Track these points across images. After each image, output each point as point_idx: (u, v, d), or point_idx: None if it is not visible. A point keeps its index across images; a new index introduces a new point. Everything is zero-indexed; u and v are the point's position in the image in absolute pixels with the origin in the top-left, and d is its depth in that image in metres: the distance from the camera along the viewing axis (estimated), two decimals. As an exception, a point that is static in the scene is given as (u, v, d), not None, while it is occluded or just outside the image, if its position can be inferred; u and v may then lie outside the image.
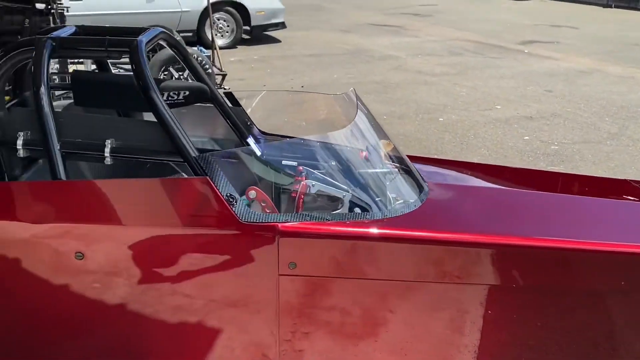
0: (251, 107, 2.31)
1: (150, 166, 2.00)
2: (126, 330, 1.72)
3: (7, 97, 1.87)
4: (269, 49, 9.25)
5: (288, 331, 1.72)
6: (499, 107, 6.37)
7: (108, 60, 2.20)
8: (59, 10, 5.88)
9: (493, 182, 2.40)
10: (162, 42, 1.88)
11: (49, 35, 1.65)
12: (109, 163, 1.60)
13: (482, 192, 2.14)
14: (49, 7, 5.89)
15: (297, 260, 1.64)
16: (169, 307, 1.68)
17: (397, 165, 1.96)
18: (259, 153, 2.15)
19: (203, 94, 2.08)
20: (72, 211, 1.55)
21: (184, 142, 1.59)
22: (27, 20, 5.86)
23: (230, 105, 2.25)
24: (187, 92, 2.00)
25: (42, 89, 1.54)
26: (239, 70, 7.71)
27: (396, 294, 1.73)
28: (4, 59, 1.65)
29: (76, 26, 1.79)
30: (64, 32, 1.74)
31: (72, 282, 1.61)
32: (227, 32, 9.21)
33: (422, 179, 1.94)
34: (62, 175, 1.55)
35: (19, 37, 5.86)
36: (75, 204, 1.55)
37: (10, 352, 1.75)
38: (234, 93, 2.29)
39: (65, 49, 1.63)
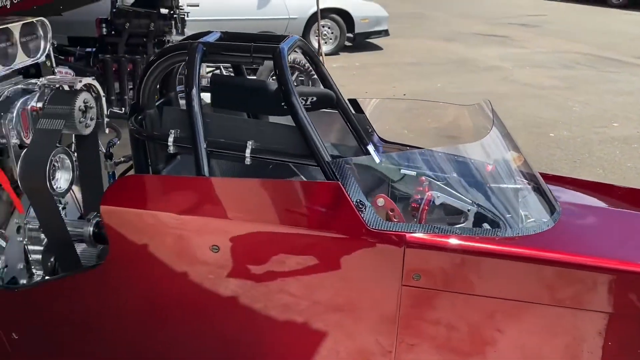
0: (371, 114, 2.33)
1: (272, 167, 2.07)
2: (247, 323, 1.79)
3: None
4: (370, 56, 9.28)
5: (396, 341, 1.72)
6: (616, 124, 5.97)
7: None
8: (181, 15, 6.26)
9: (620, 204, 2.26)
10: (297, 50, 1.94)
11: (200, 40, 1.76)
12: (248, 163, 1.68)
13: (617, 215, 2.02)
14: (172, 12, 6.29)
15: (422, 272, 1.63)
16: (286, 305, 1.73)
17: (529, 181, 1.89)
18: (378, 160, 2.17)
19: (330, 101, 2.13)
20: (212, 206, 1.64)
21: (319, 146, 1.63)
22: (152, 24, 6.28)
23: (353, 112, 2.29)
24: (315, 98, 2.06)
25: (194, 91, 1.65)
26: (341, 77, 7.79)
27: (518, 315, 1.68)
28: (159, 61, 1.78)
29: (221, 32, 1.90)
30: (211, 38, 1.85)
31: (204, 272, 1.70)
32: (331, 38, 9.34)
33: (554, 197, 1.86)
34: (206, 172, 1.64)
35: (144, 39, 6.27)
36: (215, 200, 1.64)
37: (138, 330, 1.88)
38: (359, 100, 2.32)
39: (214, 53, 1.73)
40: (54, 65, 2.18)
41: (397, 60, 8.95)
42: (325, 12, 9.12)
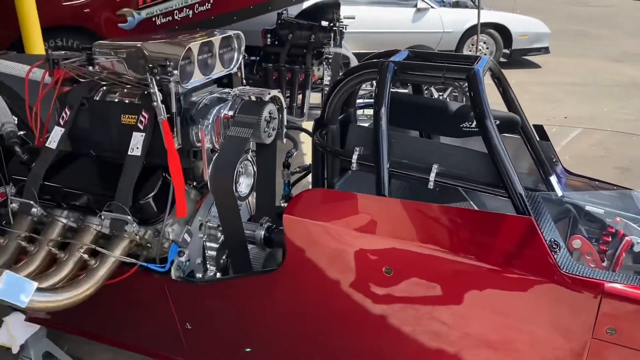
0: (557, 142, 2.17)
1: (439, 190, 2.01)
2: (408, 348, 1.74)
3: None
4: (527, 74, 8.80)
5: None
6: None
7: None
8: (340, 28, 6.42)
9: None
10: (488, 72, 1.86)
11: (391, 59, 1.76)
12: (431, 187, 1.63)
13: None
14: (332, 25, 6.47)
15: (618, 327, 1.46)
16: (457, 337, 1.65)
17: None
18: (560, 193, 2.01)
19: (514, 125, 2.02)
20: (391, 227, 1.62)
21: (512, 176, 1.54)
22: (312, 36, 6.51)
23: (538, 138, 2.14)
24: (499, 122, 1.96)
25: (383, 110, 1.65)
26: (492, 94, 7.48)
27: None
28: (348, 78, 1.81)
29: (409, 50, 1.89)
30: (400, 57, 1.84)
31: (375, 292, 1.69)
32: (486, 54, 9.01)
33: None
34: (386, 192, 1.63)
35: (304, 50, 6.52)
36: (394, 221, 1.62)
37: (296, 337, 1.91)
38: (545, 127, 2.17)
39: (405, 72, 1.72)
40: (244, 75, 2.31)
41: (556, 80, 8.38)
42: (483, 27, 8.82)
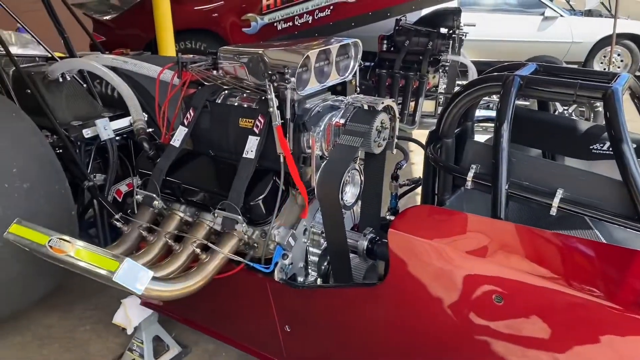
0: None
1: (560, 216, 1.85)
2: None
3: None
4: (667, 91, 7.96)
5: None
6: None
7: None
8: (459, 36, 6.24)
9: None
10: (627, 91, 1.70)
11: (516, 73, 1.66)
12: (554, 214, 1.52)
13: None
14: (451, 32, 6.30)
15: None
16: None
17: None
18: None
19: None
20: (506, 253, 1.53)
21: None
22: (430, 43, 6.38)
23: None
24: (634, 145, 1.78)
25: (505, 126, 1.56)
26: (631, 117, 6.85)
27: None
28: (468, 91, 1.73)
29: (537, 64, 1.77)
30: (527, 70, 1.73)
31: (480, 319, 1.60)
32: (619, 66, 8.32)
33: None
34: (502, 215, 1.54)
35: (420, 57, 6.41)
36: (511, 247, 1.53)
37: (390, 354, 1.86)
38: None
39: (531, 87, 1.61)
40: (357, 83, 2.31)
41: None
42: (617, 38, 8.15)
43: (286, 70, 1.90)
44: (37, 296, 2.68)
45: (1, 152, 2.34)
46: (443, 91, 6.50)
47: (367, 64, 6.63)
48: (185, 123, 2.18)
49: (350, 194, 2.06)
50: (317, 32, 5.78)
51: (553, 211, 1.51)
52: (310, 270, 2.22)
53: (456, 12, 6.29)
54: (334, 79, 2.18)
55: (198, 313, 2.40)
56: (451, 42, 6.09)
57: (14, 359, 2.72)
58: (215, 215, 2.03)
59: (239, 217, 1.96)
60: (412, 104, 6.19)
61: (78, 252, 1.82)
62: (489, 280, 1.53)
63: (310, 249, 2.20)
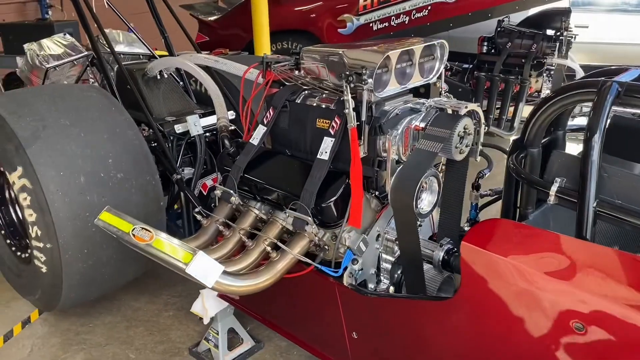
0: None
1: None
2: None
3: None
4: None
5: None
6: None
7: None
8: (567, 38, 5.84)
9: None
10: None
11: (615, 79, 1.50)
12: None
13: None
14: (558, 34, 5.91)
15: None
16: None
17: None
18: None
19: None
20: (589, 277, 1.38)
21: None
22: (534, 45, 6.04)
23: None
24: None
25: (596, 137, 1.41)
26: None
27: None
28: (559, 97, 1.59)
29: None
30: (629, 76, 1.56)
31: (557, 344, 1.46)
32: None
33: None
34: (588, 235, 1.39)
35: (523, 60, 6.08)
36: (594, 271, 1.38)
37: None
38: None
39: (631, 96, 1.44)
40: (442, 86, 2.21)
41: None
42: None
43: (364, 71, 1.86)
44: (126, 279, 2.85)
45: (99, 143, 2.51)
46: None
47: (466, 66, 6.41)
48: (265, 122, 2.21)
49: (426, 201, 1.98)
50: (414, 33, 5.66)
51: None
52: (382, 278, 2.16)
53: (566, 13, 5.89)
54: (416, 81, 2.11)
55: (270, 310, 2.43)
56: (558, 44, 5.71)
57: (103, 337, 2.91)
58: (287, 214, 2.04)
59: (309, 218, 1.95)
60: (512, 109, 5.89)
61: (157, 242, 1.90)
62: (569, 305, 1.39)
63: (384, 255, 2.14)
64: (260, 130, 2.21)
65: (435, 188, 1.99)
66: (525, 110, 6.08)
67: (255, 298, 2.35)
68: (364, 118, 1.90)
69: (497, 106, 5.91)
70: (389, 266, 2.13)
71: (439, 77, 2.20)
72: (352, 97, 1.88)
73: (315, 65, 2.12)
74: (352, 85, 1.88)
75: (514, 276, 1.47)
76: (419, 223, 2.16)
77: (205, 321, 2.62)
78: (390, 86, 2.00)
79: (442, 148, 1.89)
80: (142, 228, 1.97)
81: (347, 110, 1.89)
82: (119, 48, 3.48)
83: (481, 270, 1.55)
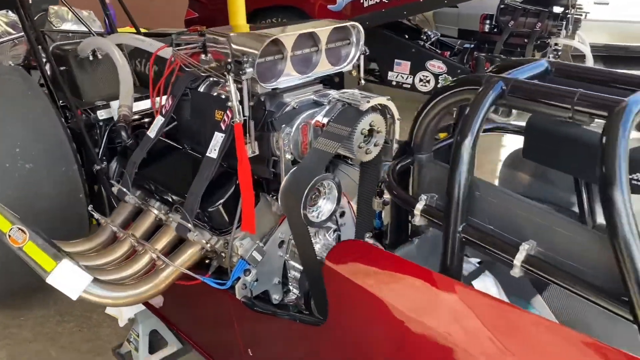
0: None
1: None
2: None
3: (442, 135, 1.58)
4: None
5: None
6: None
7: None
8: (576, 15, 5.40)
9: None
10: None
11: (504, 75, 1.21)
12: (517, 275, 1.09)
13: None
14: (566, 11, 5.47)
15: None
16: None
17: None
18: None
19: None
20: (451, 323, 1.12)
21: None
22: (538, 24, 5.61)
23: None
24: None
25: (467, 143, 1.13)
26: None
27: None
28: (443, 95, 1.32)
29: (550, 62, 1.29)
30: (528, 70, 1.27)
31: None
32: None
33: None
34: (454, 265, 1.14)
35: (526, 40, 5.65)
36: (456, 313, 1.12)
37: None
38: None
39: (516, 96, 1.16)
40: (362, 75, 1.95)
41: None
42: None
43: (244, 60, 1.61)
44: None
45: (5, 131, 2.33)
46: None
47: (467, 45, 6.04)
48: (163, 112, 1.99)
49: (325, 209, 1.74)
50: (407, 10, 5.31)
51: (515, 272, 1.07)
52: (291, 287, 1.95)
53: (573, -12, 5.46)
54: (324, 70, 1.85)
55: (178, 315, 2.24)
56: (564, 23, 5.30)
57: (31, 332, 2.80)
58: (171, 220, 1.83)
59: (189, 224, 1.74)
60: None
61: (28, 246, 1.72)
62: (424, 341, 1.14)
63: (291, 262, 1.93)
64: (158, 121, 2.00)
65: (335, 195, 1.75)
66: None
67: (167, 303, 2.18)
68: (247, 113, 1.66)
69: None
70: (297, 274, 1.91)
71: (358, 65, 1.93)
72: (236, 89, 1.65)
73: (214, 50, 1.88)
74: (232, 75, 1.64)
75: (375, 307, 1.24)
76: (339, 224, 1.94)
77: (121, 323, 2.46)
78: (285, 76, 1.75)
79: (343, 148, 1.66)
80: (19, 229, 1.80)
81: (230, 104, 1.66)
82: (66, 26, 3.28)
83: (342, 293, 1.32)
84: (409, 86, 5.97)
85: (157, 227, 1.99)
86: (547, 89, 1.14)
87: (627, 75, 1.19)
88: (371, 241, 1.70)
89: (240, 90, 1.65)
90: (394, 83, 6.06)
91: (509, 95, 1.16)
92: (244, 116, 1.67)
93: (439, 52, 5.87)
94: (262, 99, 1.72)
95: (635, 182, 1.28)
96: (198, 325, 2.11)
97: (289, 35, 1.70)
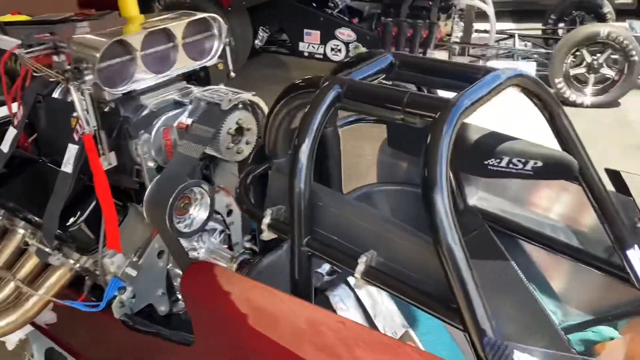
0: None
1: None
2: None
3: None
4: None
5: None
6: None
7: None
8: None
9: None
10: (518, 89, 1.16)
11: (340, 76, 1.14)
12: (359, 287, 1.05)
13: None
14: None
15: None
16: None
17: None
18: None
19: (566, 170, 1.29)
20: (295, 343, 1.07)
21: (477, 302, 0.89)
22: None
23: (614, 190, 1.38)
24: (540, 163, 1.26)
25: (304, 148, 1.05)
26: None
27: None
28: (285, 99, 1.24)
29: (394, 54, 1.22)
30: (374, 66, 1.19)
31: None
32: None
33: None
34: (307, 294, 1.08)
35: (430, 3, 5.63)
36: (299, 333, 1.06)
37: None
38: (623, 174, 1.38)
39: (351, 98, 1.09)
40: (231, 68, 1.84)
41: None
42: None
43: (83, 66, 1.47)
44: None
45: None
46: (458, 40, 5.78)
47: (374, 11, 5.97)
48: (15, 123, 1.82)
49: (197, 218, 1.64)
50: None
51: (353, 282, 1.04)
52: (179, 296, 1.86)
53: (472, -53, 5.48)
54: (183, 66, 1.73)
55: (66, 336, 2.12)
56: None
57: None
58: (29, 244, 1.70)
59: (47, 249, 1.61)
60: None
61: None
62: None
63: (176, 270, 1.83)
64: (10, 133, 1.82)
65: (207, 202, 1.65)
66: (436, 57, 5.75)
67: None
68: (93, 123, 1.53)
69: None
70: (183, 282, 1.83)
71: (225, 58, 1.82)
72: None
73: (66, 51, 1.72)
74: (70, 82, 1.49)
75: (229, 325, 1.18)
76: (227, 224, 1.86)
77: (10, 347, 2.30)
78: (139, 78, 1.62)
79: (210, 149, 1.57)
80: None
81: (76, 114, 1.52)
82: None
83: (199, 311, 1.25)
84: (321, 56, 5.87)
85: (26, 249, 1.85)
86: (380, 90, 1.08)
87: (466, 67, 1.16)
88: (248, 244, 1.63)
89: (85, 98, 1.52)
90: (306, 54, 5.95)
91: (346, 98, 1.09)
92: (93, 126, 1.54)
93: (348, 19, 5.77)
94: (115, 105, 1.59)
95: (491, 167, 1.26)
96: (86, 346, 2.00)
97: (136, 34, 1.56)
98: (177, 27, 1.65)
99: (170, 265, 1.82)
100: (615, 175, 1.38)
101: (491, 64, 5.55)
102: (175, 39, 1.67)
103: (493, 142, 1.26)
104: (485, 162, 1.26)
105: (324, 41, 5.76)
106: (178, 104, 1.67)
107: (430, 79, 1.21)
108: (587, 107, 4.99)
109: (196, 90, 1.69)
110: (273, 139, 1.31)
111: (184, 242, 1.74)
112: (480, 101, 1.00)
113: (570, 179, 1.28)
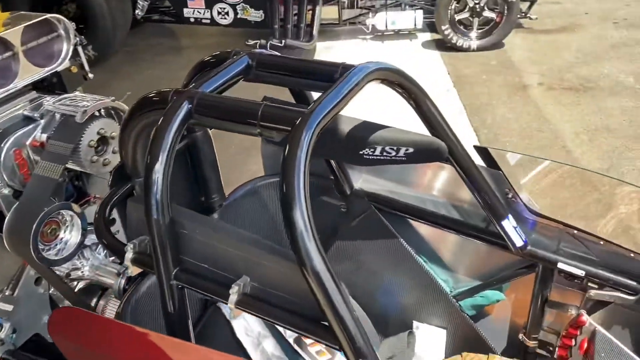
0: (513, 172, 1.43)
1: None
2: None
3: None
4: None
5: None
6: None
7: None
8: None
9: None
10: (385, 83, 1.12)
11: (191, 89, 1.04)
12: (230, 318, 1.00)
13: None
14: None
15: None
16: None
17: None
18: (521, 242, 1.32)
19: (436, 154, 1.29)
20: None
21: (349, 320, 0.87)
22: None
23: (484, 165, 1.41)
24: (411, 149, 1.25)
25: (157, 171, 0.96)
26: None
27: None
28: (135, 115, 1.13)
29: (250, 55, 1.13)
30: (231, 70, 1.09)
31: None
32: None
33: None
34: (170, 310, 1.02)
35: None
36: None
37: None
38: (490, 151, 1.42)
39: (204, 115, 1.01)
40: (87, 69, 1.68)
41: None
42: None
43: None
44: None
45: None
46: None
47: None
48: None
49: (70, 241, 1.51)
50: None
51: (227, 312, 1.00)
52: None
53: None
54: (29, 75, 1.55)
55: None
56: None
57: None
58: None
59: None
60: (310, 14, 5.41)
61: None
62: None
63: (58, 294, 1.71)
64: None
65: (78, 223, 1.52)
66: (326, 13, 5.64)
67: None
68: None
69: (294, 12, 5.40)
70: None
71: (78, 61, 1.66)
72: None
73: None
74: None
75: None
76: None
77: None
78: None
79: (73, 165, 1.43)
80: None
81: None
82: None
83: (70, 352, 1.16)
84: (208, 21, 5.60)
85: None
86: (232, 104, 1.00)
87: (324, 66, 1.10)
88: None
89: None
90: (192, 20, 5.64)
91: (197, 114, 1.01)
92: None
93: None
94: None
95: (366, 156, 1.24)
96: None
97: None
98: (13, 33, 1.47)
99: (52, 289, 1.69)
100: (484, 152, 1.42)
101: (380, 15, 5.53)
102: (14, 47, 1.48)
103: (365, 132, 1.23)
104: (361, 152, 1.24)
105: (209, 5, 5.48)
106: (29, 120, 1.51)
107: (289, 78, 1.15)
108: (473, 50, 5.13)
109: (48, 101, 1.53)
110: (131, 156, 1.20)
111: (64, 264, 1.61)
112: (339, 106, 0.96)
113: (442, 161, 1.29)
